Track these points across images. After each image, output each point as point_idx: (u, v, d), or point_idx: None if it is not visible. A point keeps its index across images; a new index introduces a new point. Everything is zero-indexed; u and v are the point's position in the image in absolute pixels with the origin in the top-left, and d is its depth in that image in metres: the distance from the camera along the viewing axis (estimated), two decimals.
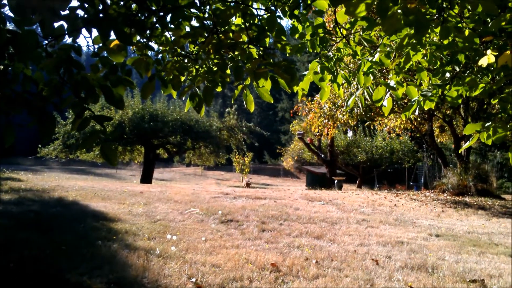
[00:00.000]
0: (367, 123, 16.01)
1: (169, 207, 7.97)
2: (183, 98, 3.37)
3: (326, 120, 14.46)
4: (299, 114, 17.94)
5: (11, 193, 7.99)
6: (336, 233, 6.43)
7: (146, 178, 19.58)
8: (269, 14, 2.99)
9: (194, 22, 3.00)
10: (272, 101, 3.14)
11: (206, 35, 2.93)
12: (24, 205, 6.96)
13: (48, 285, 3.68)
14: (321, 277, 4.42)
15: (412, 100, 3.49)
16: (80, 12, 2.36)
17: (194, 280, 4.09)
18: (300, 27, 3.36)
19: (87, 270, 4.10)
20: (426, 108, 3.49)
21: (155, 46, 3.15)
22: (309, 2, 3.00)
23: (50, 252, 4.58)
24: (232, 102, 5.14)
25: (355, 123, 14.62)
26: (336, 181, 18.73)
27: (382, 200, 10.78)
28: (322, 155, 21.30)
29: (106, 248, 4.90)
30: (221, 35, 2.91)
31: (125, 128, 18.56)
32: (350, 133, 26.11)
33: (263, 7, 3.10)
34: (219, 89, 3.14)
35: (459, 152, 14.84)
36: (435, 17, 2.92)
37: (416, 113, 3.53)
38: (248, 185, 22.13)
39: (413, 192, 15.01)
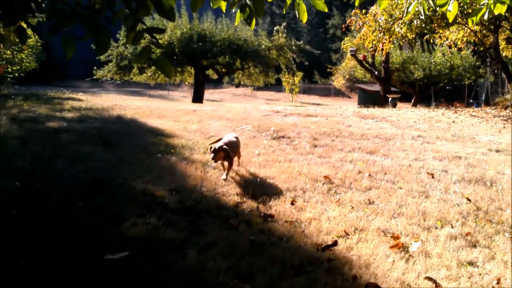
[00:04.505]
0: (426, 36, 14.91)
1: (221, 124, 8.13)
2: (233, 11, 3.23)
3: (381, 34, 13.62)
4: (352, 28, 17.02)
5: (73, 111, 8.44)
6: (390, 148, 6.33)
7: (197, 99, 19.92)
8: None
9: None
10: (327, 10, 2.96)
11: None
12: (86, 123, 7.36)
13: (116, 192, 3.97)
14: (374, 188, 4.44)
15: (481, 3, 3.15)
16: None
17: (249, 189, 4.25)
18: None
19: (150, 179, 4.36)
20: (496, 12, 3.14)
21: None
22: None
23: (115, 163, 4.89)
24: (284, 12, 4.87)
25: (413, 36, 13.66)
26: (390, 99, 18.10)
27: (440, 117, 10.37)
28: (376, 73, 20.45)
29: (165, 160, 5.16)
30: None
31: (174, 49, 18.59)
32: (405, 48, 24.61)
33: None
34: None
35: None
36: None
37: (485, 17, 3.20)
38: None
39: (473, 109, 14.28)
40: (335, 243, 3.07)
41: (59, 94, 12.40)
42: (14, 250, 2.80)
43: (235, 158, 4.99)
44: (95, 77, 20.65)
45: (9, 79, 18.47)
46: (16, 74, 19.53)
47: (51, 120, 7.33)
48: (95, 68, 20.28)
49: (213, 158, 4.51)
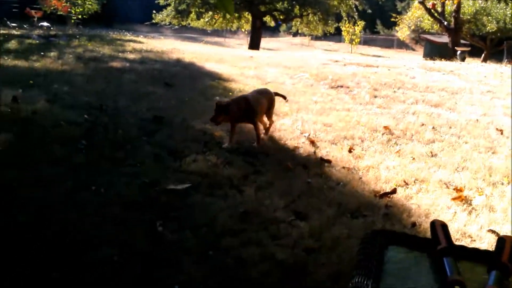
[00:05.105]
0: None
1: (278, 71, 8.02)
2: None
3: None
4: None
5: (135, 53, 8.63)
6: (457, 102, 5.99)
7: (254, 46, 19.68)
8: None
9: None
10: None
11: None
12: (147, 64, 7.52)
13: (176, 130, 4.08)
14: (438, 141, 4.26)
15: None
16: None
17: (306, 135, 4.22)
18: None
19: (208, 120, 4.43)
20: None
21: None
22: None
23: (175, 103, 5.01)
24: None
25: None
26: (459, 52, 16.92)
27: None
28: (445, 23, 19.06)
29: None
30: None
31: None
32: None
33: None
34: None
35: None
36: None
37: None
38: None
39: None
40: (394, 191, 3.01)
41: (121, 36, 12.69)
42: (86, 176, 2.99)
43: (263, 121, 4.10)
44: (154, 21, 20.89)
45: (73, 20, 19.12)
46: (79, 16, 20.15)
47: (114, 60, 7.56)
48: (154, 12, 20.46)
49: (211, 119, 3.54)
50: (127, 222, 2.43)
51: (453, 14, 18.80)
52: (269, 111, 4.10)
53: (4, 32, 10.44)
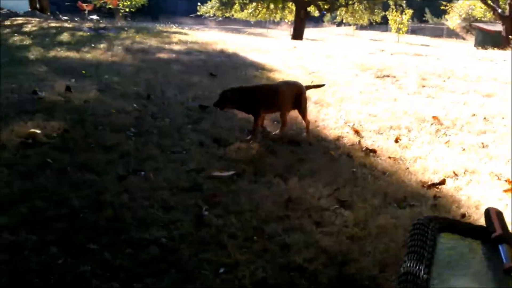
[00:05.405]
0: None
1: (322, 61, 7.92)
2: None
3: None
4: None
5: (180, 44, 8.80)
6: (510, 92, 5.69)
7: (297, 36, 19.50)
8: None
9: None
10: None
11: None
12: (192, 55, 7.65)
13: (220, 118, 4.14)
14: (490, 132, 4.08)
15: None
16: None
17: (351, 125, 4.16)
18: None
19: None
20: None
21: None
22: None
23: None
24: None
25: None
26: None
27: None
28: (499, 10, 18.05)
29: None
30: None
31: None
32: None
33: None
34: None
35: None
36: None
37: None
38: None
39: None
40: (442, 182, 2.92)
41: (167, 28, 12.97)
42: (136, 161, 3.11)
43: (289, 115, 3.87)
44: (198, 13, 21.18)
45: (121, 12, 19.74)
46: (127, 9, 20.77)
47: (161, 52, 7.75)
48: (198, 4, 20.74)
49: (215, 104, 3.50)
50: (174, 206, 2.51)
51: (508, 1, 17.76)
52: (298, 106, 3.77)
53: (57, 25, 10.93)
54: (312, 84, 4.22)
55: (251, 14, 20.65)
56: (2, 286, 1.85)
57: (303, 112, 3.79)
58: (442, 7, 29.64)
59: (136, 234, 2.21)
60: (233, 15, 21.39)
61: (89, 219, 2.32)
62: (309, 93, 5.30)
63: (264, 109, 3.67)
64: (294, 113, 4.37)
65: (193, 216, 2.40)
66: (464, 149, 3.63)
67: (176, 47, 8.35)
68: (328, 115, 4.48)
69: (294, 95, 3.72)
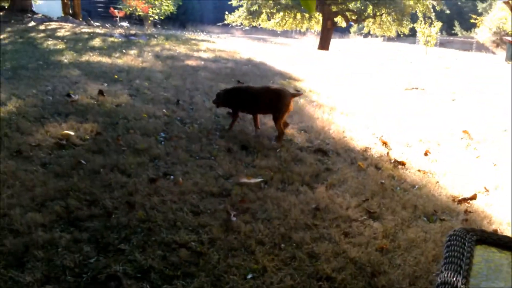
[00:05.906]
0: None
1: (348, 72, 7.91)
2: None
3: None
4: None
5: (208, 52, 8.93)
6: None
7: (324, 46, 19.48)
8: None
9: None
10: None
11: None
12: (220, 62, 7.75)
13: (248, 126, 4.17)
14: None
15: None
16: None
17: (378, 136, 4.13)
18: None
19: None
20: None
21: None
22: None
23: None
24: None
25: None
26: None
27: None
28: None
29: (294, 101, 5.21)
30: None
31: None
32: None
33: None
34: None
35: None
36: None
37: None
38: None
39: None
40: (474, 197, 2.87)
41: (195, 36, 13.18)
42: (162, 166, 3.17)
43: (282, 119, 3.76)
44: (226, 22, 21.39)
45: (150, 20, 20.16)
46: (156, 17, 21.20)
47: (190, 59, 7.87)
48: (226, 13, 20.96)
49: (214, 101, 4.09)
50: (203, 210, 2.54)
51: None
52: (273, 111, 3.77)
53: (89, 30, 11.24)
54: (294, 93, 4.19)
55: (278, 24, 20.72)
56: (36, 282, 1.91)
57: (275, 118, 3.78)
58: (472, 21, 29.14)
59: (167, 236, 2.25)
60: (259, 24, 21.53)
61: (120, 220, 2.38)
62: (334, 103, 5.32)
63: (241, 109, 4.04)
64: (321, 123, 4.40)
65: (221, 221, 2.43)
66: (495, 165, 3.55)
67: (204, 55, 8.47)
68: (356, 125, 4.47)
69: (271, 100, 3.79)
